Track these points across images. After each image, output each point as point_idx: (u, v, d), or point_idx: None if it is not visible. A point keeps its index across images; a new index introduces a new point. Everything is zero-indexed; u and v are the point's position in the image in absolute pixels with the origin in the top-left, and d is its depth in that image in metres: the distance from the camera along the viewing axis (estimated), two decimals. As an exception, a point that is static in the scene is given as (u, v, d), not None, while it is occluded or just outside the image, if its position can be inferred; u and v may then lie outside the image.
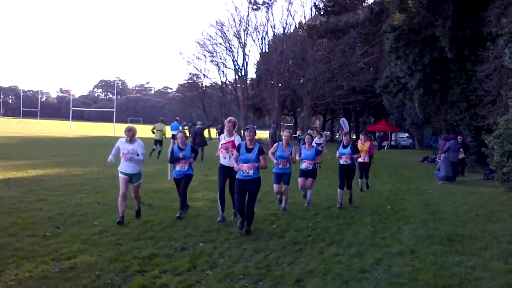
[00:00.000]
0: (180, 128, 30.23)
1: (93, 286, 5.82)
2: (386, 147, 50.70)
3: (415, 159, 34.11)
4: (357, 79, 48.26)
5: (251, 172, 8.88)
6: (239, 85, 61.94)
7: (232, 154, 9.40)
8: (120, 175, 9.86)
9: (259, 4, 56.36)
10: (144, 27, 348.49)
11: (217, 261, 7.01)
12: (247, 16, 58.71)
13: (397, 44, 28.60)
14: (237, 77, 62.34)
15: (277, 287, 6.06)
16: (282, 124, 64.40)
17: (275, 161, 11.69)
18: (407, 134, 55.78)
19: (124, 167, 9.85)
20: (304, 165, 12.50)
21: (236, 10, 59.07)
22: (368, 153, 16.26)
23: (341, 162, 12.75)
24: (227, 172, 9.98)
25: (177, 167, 10.58)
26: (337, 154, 12.98)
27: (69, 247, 7.34)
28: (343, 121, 40.38)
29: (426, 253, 7.83)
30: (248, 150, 8.93)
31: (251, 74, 64.34)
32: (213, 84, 67.58)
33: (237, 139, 9.80)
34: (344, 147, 12.82)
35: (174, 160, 10.62)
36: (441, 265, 7.21)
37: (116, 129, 60.25)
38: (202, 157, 24.39)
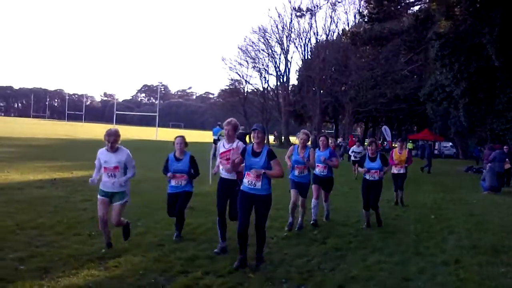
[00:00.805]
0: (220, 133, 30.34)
1: (137, 285, 5.90)
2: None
3: (459, 169, 33.48)
4: (401, 87, 47.78)
5: (259, 184, 7.00)
6: (280, 92, 62.10)
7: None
8: (98, 196, 7.50)
9: (303, 11, 56.46)
10: (188, 33, 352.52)
11: (258, 264, 7.00)
12: (290, 22, 58.90)
13: (443, 52, 28.22)
14: (279, 83, 62.55)
15: (319, 292, 6.04)
16: (323, 131, 64.11)
17: (289, 164, 10.23)
18: (451, 143, 54.81)
19: (105, 184, 7.46)
20: (317, 170, 10.72)
21: (279, 17, 59.05)
22: (406, 164, 14.39)
23: (367, 177, 10.52)
24: (228, 188, 7.98)
25: (173, 182, 8.80)
26: (362, 169, 10.68)
27: (113, 247, 7.44)
28: (385, 129, 40.07)
29: (471, 263, 7.67)
30: (255, 154, 7.16)
31: (293, 80, 64.32)
32: (255, 90, 67.87)
33: (240, 146, 7.78)
34: (372, 159, 10.50)
35: (166, 173, 8.90)
36: (486, 275, 7.05)
37: (158, 133, 61.00)
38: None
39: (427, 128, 54.56)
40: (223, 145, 8.09)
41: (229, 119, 8.23)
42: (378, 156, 10.48)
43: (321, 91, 54.46)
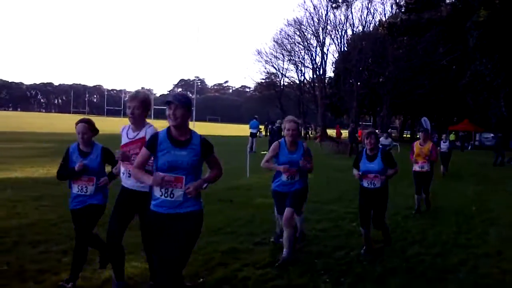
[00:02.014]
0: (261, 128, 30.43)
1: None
2: (469, 147, 48.91)
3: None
4: (439, 78, 47.00)
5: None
6: (317, 84, 61.78)
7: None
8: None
9: (339, 2, 56.05)
10: (224, 26, 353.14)
11: (297, 256, 7.01)
12: (326, 14, 58.47)
13: (482, 41, 27.70)
14: (315, 76, 62.23)
15: (359, 284, 6.01)
16: (360, 123, 63.66)
17: (279, 169, 7.01)
18: (492, 134, 53.66)
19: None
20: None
21: (314, 9, 58.68)
22: (430, 159, 11.47)
23: (365, 184, 7.41)
24: (132, 203, 5.36)
25: (74, 189, 5.73)
26: (356, 172, 7.50)
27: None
28: (425, 120, 39.35)
29: (514, 255, 7.54)
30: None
31: (330, 72, 63.87)
32: (291, 83, 67.72)
33: (148, 132, 5.31)
34: (370, 158, 7.38)
35: (65, 174, 5.88)
36: (531, 268, 6.92)
37: (196, 128, 61.40)
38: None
39: (467, 118, 53.58)
40: (126, 134, 5.44)
41: (134, 92, 5.50)
42: (379, 154, 7.35)
43: (358, 83, 54.00)
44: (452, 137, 41.33)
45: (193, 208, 4.56)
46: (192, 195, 4.32)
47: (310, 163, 7.08)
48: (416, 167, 11.59)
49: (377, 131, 40.24)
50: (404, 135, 69.52)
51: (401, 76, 48.08)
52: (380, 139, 18.07)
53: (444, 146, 20.62)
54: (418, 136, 53.86)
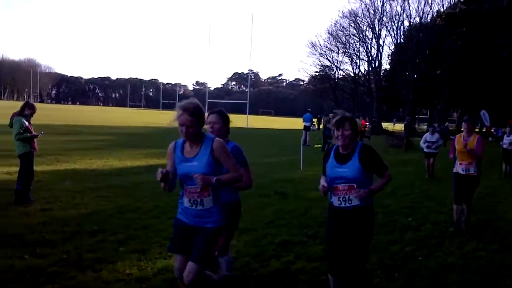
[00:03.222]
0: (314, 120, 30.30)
1: (231, 268, 6.00)
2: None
3: None
4: (500, 69, 45.58)
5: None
6: (372, 77, 61.00)
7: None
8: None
9: (395, -7, 55.15)
10: (278, 19, 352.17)
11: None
12: (382, 6, 57.58)
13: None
14: (370, 68, 61.46)
15: (414, 279, 5.89)
16: (417, 116, 62.53)
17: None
18: None
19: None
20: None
21: (370, 0, 57.86)
22: (475, 156, 8.46)
23: (335, 203, 4.84)
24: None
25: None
26: (322, 183, 4.92)
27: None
28: (484, 114, 38.31)
29: None
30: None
31: (385, 65, 62.97)
32: (345, 75, 67.11)
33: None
34: (340, 159, 4.74)
35: None
36: None
37: (249, 121, 61.66)
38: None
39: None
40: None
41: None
42: (357, 152, 4.65)
43: (415, 76, 53.03)
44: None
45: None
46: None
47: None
48: (458, 168, 8.63)
49: (435, 125, 39.44)
50: (462, 129, 67.95)
51: (459, 68, 46.89)
52: (425, 135, 16.24)
53: (507, 141, 17.75)
54: (483, 130, 52.56)
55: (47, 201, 9.29)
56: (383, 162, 4.78)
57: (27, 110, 9.53)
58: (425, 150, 16.24)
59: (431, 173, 16.12)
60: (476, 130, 53.68)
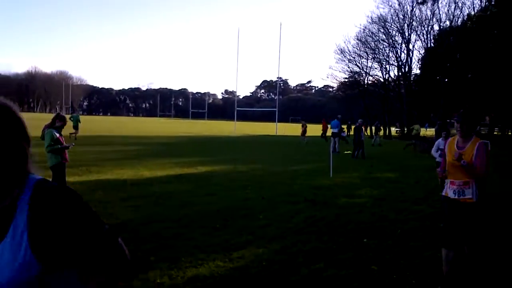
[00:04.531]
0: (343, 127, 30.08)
1: (261, 275, 5.97)
2: None
3: None
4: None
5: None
6: (402, 82, 60.47)
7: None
8: None
9: (425, -2, 54.71)
10: (306, 26, 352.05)
11: (381, 257, 6.86)
12: (411, 10, 57.11)
13: None
14: (400, 73, 60.95)
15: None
16: (448, 120, 61.71)
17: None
18: None
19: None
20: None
21: (399, 5, 57.37)
22: (474, 174, 5.53)
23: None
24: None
25: None
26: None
27: (237, 239, 7.61)
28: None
29: None
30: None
31: (415, 70, 62.33)
32: (375, 81, 66.62)
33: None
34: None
35: None
36: None
37: (278, 128, 61.65)
38: (362, 155, 24.24)
39: None
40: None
41: None
42: None
43: (446, 80, 52.42)
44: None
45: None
46: None
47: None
48: (448, 190, 5.80)
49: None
50: (495, 132, 66.86)
51: (491, 71, 46.20)
52: (438, 141, 13.53)
53: None
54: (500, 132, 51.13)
55: (78, 211, 9.37)
56: None
57: (58, 122, 9.68)
58: (437, 159, 12.67)
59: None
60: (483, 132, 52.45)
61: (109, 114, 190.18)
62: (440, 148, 12.43)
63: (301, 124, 39.73)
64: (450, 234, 5.75)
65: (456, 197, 5.65)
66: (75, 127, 32.76)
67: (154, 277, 5.76)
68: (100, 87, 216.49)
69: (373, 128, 45.17)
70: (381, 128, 44.40)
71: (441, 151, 11.39)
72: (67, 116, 11.88)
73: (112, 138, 35.33)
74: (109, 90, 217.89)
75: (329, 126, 36.11)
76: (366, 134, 30.42)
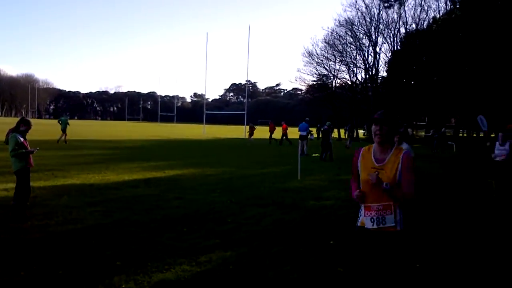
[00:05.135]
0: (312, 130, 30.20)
1: (227, 279, 5.97)
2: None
3: None
4: (497, 73, 45.72)
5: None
6: (369, 84, 61.17)
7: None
8: None
9: (391, 1, 55.43)
10: (274, 30, 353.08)
11: (347, 259, 6.92)
12: (378, 14, 57.84)
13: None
14: (367, 76, 61.64)
15: None
16: (414, 122, 62.48)
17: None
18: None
19: None
20: None
21: (366, 8, 58.03)
22: (398, 197, 4.08)
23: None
24: None
25: None
26: None
27: (205, 243, 7.58)
28: (481, 119, 38.41)
29: None
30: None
31: (382, 72, 63.05)
32: (343, 84, 67.16)
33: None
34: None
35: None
36: None
37: (247, 131, 61.67)
38: (330, 158, 24.46)
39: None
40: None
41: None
42: None
43: (412, 82, 53.15)
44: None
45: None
46: None
47: None
48: (364, 219, 4.29)
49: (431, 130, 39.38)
50: (460, 134, 67.95)
51: (456, 74, 46.98)
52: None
53: (500, 151, 13.19)
54: (478, 134, 51.97)
55: (43, 217, 9.24)
56: None
57: (22, 127, 9.52)
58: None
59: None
60: (448, 133, 52.99)
61: (76, 117, 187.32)
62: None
63: (248, 126, 40.10)
64: (366, 273, 4.28)
65: (375, 226, 4.14)
66: (64, 130, 32.77)
67: (119, 282, 5.71)
68: (67, 90, 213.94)
69: (346, 130, 45.50)
70: (354, 130, 44.79)
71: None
72: (55, 120, 11.73)
73: (79, 142, 34.85)
74: (76, 93, 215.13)
75: (288, 128, 36.54)
76: (334, 137, 30.46)
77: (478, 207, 11.78)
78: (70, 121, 35.28)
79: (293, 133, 38.99)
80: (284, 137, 39.23)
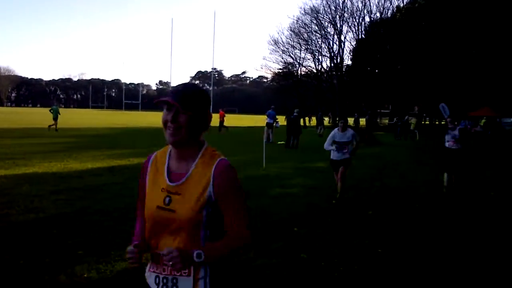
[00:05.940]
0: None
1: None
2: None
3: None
4: (459, 63, 46.46)
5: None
6: (334, 73, 61.58)
7: None
8: None
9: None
10: (240, 17, 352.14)
11: (311, 245, 6.97)
12: (343, 2, 58.16)
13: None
14: (332, 64, 62.04)
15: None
16: (379, 111, 63.15)
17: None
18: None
19: None
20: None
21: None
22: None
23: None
24: None
25: None
26: None
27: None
28: (443, 107, 38.99)
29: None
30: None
31: (347, 61, 63.53)
32: (308, 72, 67.53)
33: None
34: None
35: None
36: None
37: (213, 119, 61.43)
38: (297, 145, 24.59)
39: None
40: None
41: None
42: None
43: (376, 70, 53.67)
44: (482, 123, 39.98)
45: None
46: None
47: None
48: (148, 276, 2.50)
49: (395, 118, 39.76)
50: (423, 122, 68.95)
51: (419, 62, 47.59)
52: (333, 132, 10.81)
53: (450, 136, 12.09)
54: (441, 121, 52.52)
55: (4, 206, 9.06)
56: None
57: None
58: (332, 157, 10.92)
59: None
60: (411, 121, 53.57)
61: (38, 105, 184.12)
62: (336, 141, 10.60)
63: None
64: None
65: None
66: (55, 118, 33.67)
67: (82, 271, 5.64)
68: (29, 77, 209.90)
69: (317, 118, 45.67)
70: (324, 118, 44.98)
71: (337, 145, 10.55)
72: (17, 108, 11.47)
73: (41, 130, 34.20)
74: (39, 81, 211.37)
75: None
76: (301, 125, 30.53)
77: (425, 206, 10.68)
78: (32, 109, 35.35)
79: (262, 121, 38.98)
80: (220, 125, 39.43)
